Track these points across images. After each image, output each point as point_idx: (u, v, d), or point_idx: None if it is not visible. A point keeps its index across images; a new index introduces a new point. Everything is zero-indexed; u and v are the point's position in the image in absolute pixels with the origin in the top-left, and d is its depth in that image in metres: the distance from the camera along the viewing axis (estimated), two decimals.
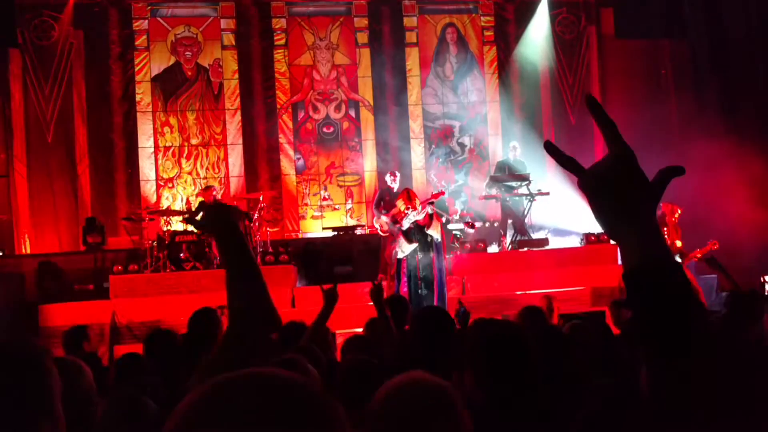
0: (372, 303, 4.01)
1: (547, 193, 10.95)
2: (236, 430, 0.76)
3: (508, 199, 10.88)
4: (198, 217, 1.75)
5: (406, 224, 8.31)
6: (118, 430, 2.45)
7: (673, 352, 0.97)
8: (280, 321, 1.70)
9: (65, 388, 2.11)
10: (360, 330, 4.79)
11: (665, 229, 9.36)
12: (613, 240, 1.09)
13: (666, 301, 0.98)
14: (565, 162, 1.09)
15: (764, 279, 9.08)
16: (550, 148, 1.10)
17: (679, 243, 9.38)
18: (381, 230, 9.37)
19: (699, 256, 9.06)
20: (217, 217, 1.73)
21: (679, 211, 9.46)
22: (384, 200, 9.40)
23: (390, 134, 12.81)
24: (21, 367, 1.48)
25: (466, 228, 10.90)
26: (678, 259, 9.14)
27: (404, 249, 8.22)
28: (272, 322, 1.68)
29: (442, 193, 9.24)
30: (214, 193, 10.85)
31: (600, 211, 1.07)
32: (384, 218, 8.97)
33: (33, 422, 1.46)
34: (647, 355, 0.99)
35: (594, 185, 1.06)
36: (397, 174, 9.92)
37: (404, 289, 8.14)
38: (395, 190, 9.46)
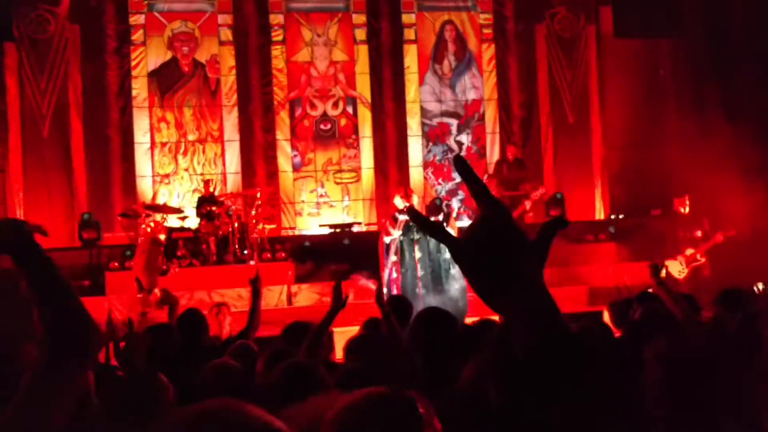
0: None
1: (545, 192, 10.93)
2: None
3: (505, 197, 10.84)
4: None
5: (396, 233, 8.32)
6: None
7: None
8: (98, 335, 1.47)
9: None
10: (356, 328, 4.76)
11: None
12: (502, 313, 0.98)
13: (568, 374, 0.92)
14: (429, 228, 1.02)
15: (758, 287, 9.01)
16: (412, 214, 1.06)
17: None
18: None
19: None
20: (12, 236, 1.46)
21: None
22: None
23: (387, 131, 12.77)
24: None
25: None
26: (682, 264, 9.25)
27: (393, 233, 8.29)
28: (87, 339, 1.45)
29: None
30: (211, 188, 10.81)
31: (484, 283, 0.97)
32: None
33: None
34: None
35: (473, 255, 0.97)
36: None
37: (392, 276, 8.16)
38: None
